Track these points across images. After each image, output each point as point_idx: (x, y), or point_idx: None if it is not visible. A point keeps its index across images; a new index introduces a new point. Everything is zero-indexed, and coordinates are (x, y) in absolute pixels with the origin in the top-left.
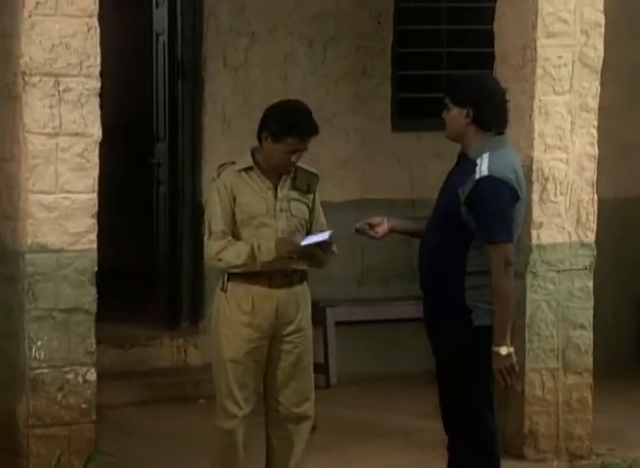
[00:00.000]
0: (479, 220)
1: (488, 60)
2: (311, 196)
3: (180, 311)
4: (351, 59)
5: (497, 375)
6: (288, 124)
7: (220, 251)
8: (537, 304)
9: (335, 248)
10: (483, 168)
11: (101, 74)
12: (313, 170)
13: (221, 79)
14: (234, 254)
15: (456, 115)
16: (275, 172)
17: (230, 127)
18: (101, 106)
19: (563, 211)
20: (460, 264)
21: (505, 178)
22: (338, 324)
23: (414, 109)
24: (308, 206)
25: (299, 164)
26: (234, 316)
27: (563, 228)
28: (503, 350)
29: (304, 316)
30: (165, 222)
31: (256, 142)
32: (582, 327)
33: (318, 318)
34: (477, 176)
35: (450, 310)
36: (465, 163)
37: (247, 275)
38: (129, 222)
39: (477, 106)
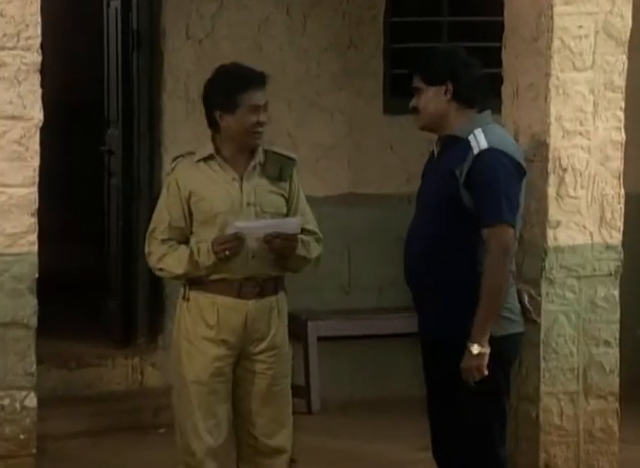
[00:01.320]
0: (479, 198)
1: (496, 31)
2: (286, 184)
3: (135, 324)
4: (336, 29)
5: (463, 374)
6: (230, 84)
7: (161, 258)
8: (553, 316)
9: (304, 251)
10: (481, 141)
11: (43, 47)
12: (287, 152)
13: (184, 52)
14: (175, 262)
15: (432, 96)
16: (247, 148)
17: (195, 108)
18: (43, 85)
19: (584, 207)
20: (470, 263)
21: (509, 152)
22: (321, 339)
23: (409, 88)
24: (285, 197)
25: (270, 147)
26: (197, 330)
27: (584, 227)
28: (476, 349)
29: (279, 331)
30: (118, 220)
31: None
32: (607, 343)
33: (298, 333)
34: (475, 151)
35: (458, 322)
36: (453, 144)
37: (212, 282)
38: (75, 221)
39: (455, 80)
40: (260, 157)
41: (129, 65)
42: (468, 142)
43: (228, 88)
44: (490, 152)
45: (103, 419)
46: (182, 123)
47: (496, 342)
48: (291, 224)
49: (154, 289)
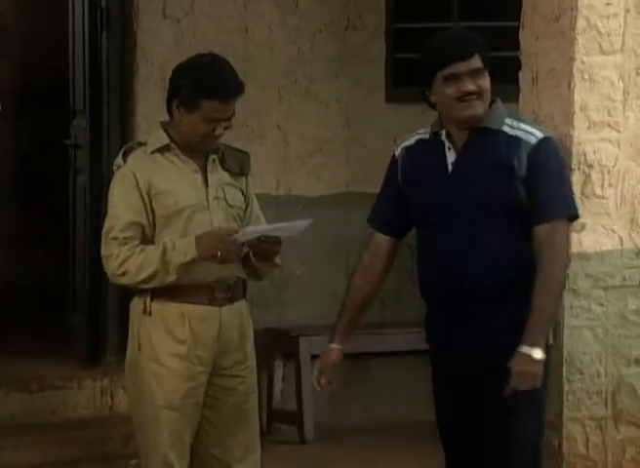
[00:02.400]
0: (545, 189)
1: (513, 9)
2: (244, 180)
3: (104, 342)
4: (332, 7)
5: (515, 381)
6: (201, 83)
7: (124, 261)
8: (578, 332)
9: (278, 259)
10: (530, 130)
11: None
12: (239, 147)
13: (160, 33)
14: (143, 263)
15: (488, 82)
16: (197, 150)
17: None
18: None
19: (612, 208)
20: (528, 264)
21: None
22: (315, 358)
23: (415, 74)
24: (243, 192)
25: (222, 142)
26: (165, 347)
27: (612, 231)
28: (538, 353)
29: (249, 340)
30: (84, 224)
31: None
32: (639, 362)
33: (289, 351)
34: (533, 140)
35: (515, 331)
36: (483, 136)
37: (179, 288)
38: (36, 223)
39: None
40: (217, 150)
41: (97, 48)
42: (505, 133)
43: (196, 86)
44: (549, 141)
45: (69, 449)
46: (158, 113)
47: (548, 351)
48: (295, 226)
49: (125, 300)
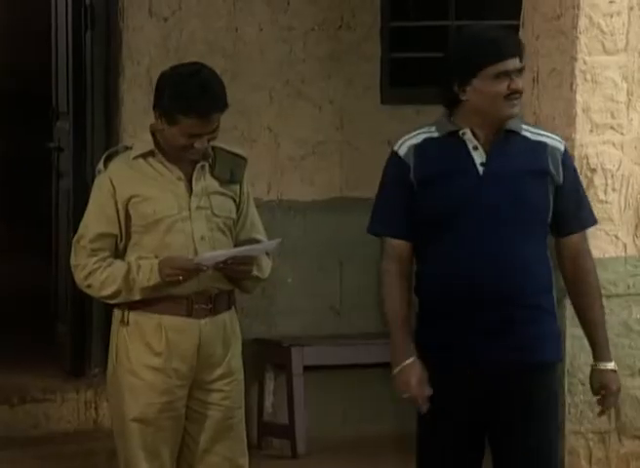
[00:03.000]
0: (579, 200)
1: (512, 8)
2: (237, 187)
3: (88, 352)
4: (325, 5)
5: (614, 398)
6: (179, 99)
7: (89, 274)
8: (580, 342)
9: (260, 272)
10: (550, 135)
11: None
12: (237, 150)
13: (146, 32)
14: (107, 279)
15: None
16: (182, 158)
17: None
18: None
19: (616, 214)
20: (552, 274)
21: None
22: (307, 369)
23: (411, 74)
24: (235, 200)
25: (218, 143)
26: (141, 359)
27: (616, 238)
28: (614, 366)
29: (235, 354)
30: (68, 230)
31: None
32: None
33: (280, 362)
34: (562, 147)
35: (543, 346)
36: (508, 139)
37: (157, 300)
38: (18, 230)
39: None
40: (207, 156)
41: (81, 47)
42: (527, 137)
43: (174, 101)
44: (568, 151)
45: (51, 464)
46: (144, 115)
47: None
48: (261, 248)
49: (110, 310)
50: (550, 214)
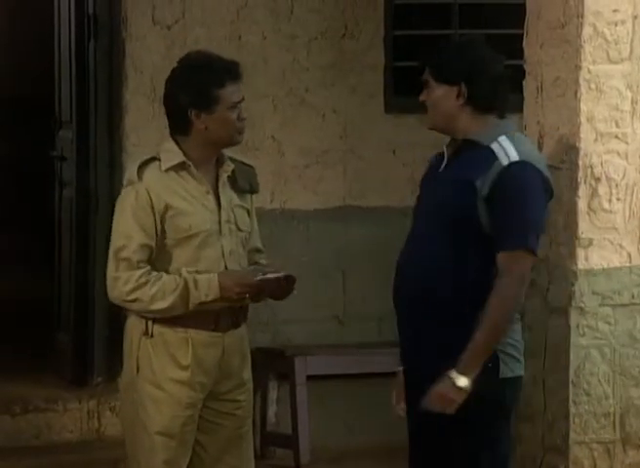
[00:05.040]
0: (502, 216)
1: (515, 16)
2: (249, 197)
3: (91, 362)
4: (329, 14)
5: (429, 399)
6: (209, 76)
7: (136, 288)
8: (585, 352)
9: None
10: (510, 152)
11: None
12: (246, 159)
13: (150, 40)
14: (159, 293)
15: (441, 95)
16: (230, 145)
17: (162, 107)
18: None
19: (621, 223)
20: (481, 290)
21: (541, 168)
22: (311, 379)
23: (415, 83)
24: (248, 212)
25: (231, 153)
26: (167, 372)
27: (621, 247)
28: (464, 382)
29: (248, 364)
30: (71, 239)
31: None
32: None
33: (284, 371)
34: (505, 162)
35: (444, 355)
36: (470, 150)
37: (184, 313)
38: (20, 239)
39: (471, 82)
40: (229, 166)
41: (84, 56)
42: (491, 151)
43: (203, 83)
44: (522, 166)
45: None
46: (148, 124)
47: (502, 384)
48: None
49: (113, 320)
50: (480, 224)
